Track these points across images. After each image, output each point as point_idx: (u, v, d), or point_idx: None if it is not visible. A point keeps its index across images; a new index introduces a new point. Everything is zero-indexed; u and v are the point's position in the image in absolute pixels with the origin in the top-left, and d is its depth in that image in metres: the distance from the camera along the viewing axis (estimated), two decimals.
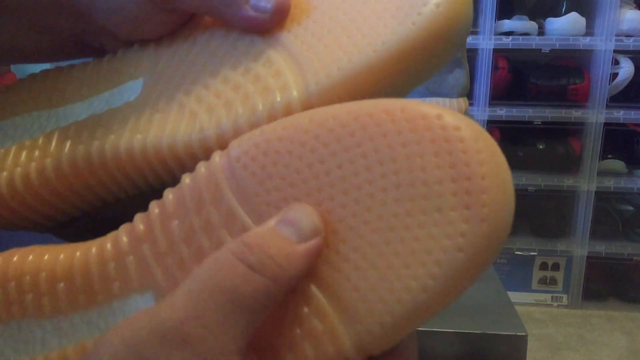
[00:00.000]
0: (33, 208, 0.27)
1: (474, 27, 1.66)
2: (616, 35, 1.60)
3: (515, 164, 1.76)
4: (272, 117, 0.23)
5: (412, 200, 0.19)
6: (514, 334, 0.59)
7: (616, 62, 1.66)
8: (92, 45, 0.29)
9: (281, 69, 0.23)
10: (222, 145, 0.23)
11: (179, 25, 0.27)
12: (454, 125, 0.19)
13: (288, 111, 0.22)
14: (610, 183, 1.68)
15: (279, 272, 0.19)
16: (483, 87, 1.65)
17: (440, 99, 0.88)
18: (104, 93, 0.27)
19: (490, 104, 1.67)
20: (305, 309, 0.20)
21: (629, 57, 1.66)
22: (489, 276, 0.73)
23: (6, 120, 0.29)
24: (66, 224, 0.30)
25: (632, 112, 1.64)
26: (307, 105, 0.22)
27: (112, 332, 0.19)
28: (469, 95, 1.13)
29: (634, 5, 1.64)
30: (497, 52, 1.65)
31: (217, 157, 0.22)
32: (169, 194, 0.22)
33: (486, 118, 1.68)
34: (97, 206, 0.28)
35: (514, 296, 1.78)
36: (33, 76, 0.30)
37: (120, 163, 0.25)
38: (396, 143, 0.20)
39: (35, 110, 0.28)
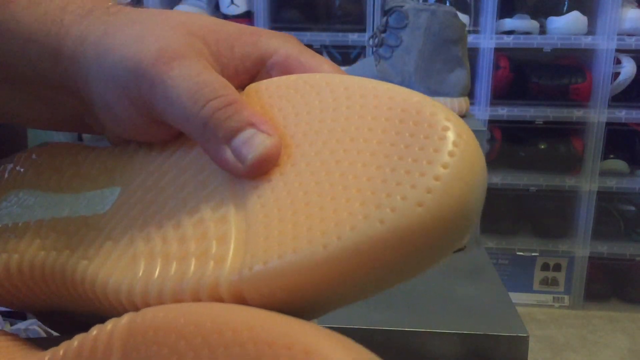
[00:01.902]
0: (5, 295, 0.27)
1: (474, 26, 1.66)
2: (618, 35, 1.59)
3: (516, 163, 1.75)
4: (195, 289, 0.20)
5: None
6: (515, 334, 0.58)
7: (618, 62, 1.65)
8: (92, 125, 0.28)
9: (228, 234, 0.21)
10: (145, 304, 0.21)
11: (173, 137, 0.25)
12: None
13: (213, 288, 0.20)
14: (612, 183, 1.68)
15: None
16: (484, 87, 1.65)
17: (442, 98, 0.88)
18: (89, 192, 0.26)
19: (492, 104, 1.66)
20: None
21: (631, 57, 1.65)
22: (490, 277, 0.72)
23: (12, 192, 0.28)
24: (45, 314, 0.29)
25: (634, 112, 1.63)
26: (235, 288, 0.19)
27: None
28: (470, 94, 1.13)
29: (636, 4, 1.63)
30: (499, 51, 1.65)
31: (124, 319, 0.20)
32: (74, 341, 0.21)
33: (487, 117, 1.67)
34: (60, 308, 0.27)
35: (515, 297, 1.77)
36: (49, 149, 0.29)
37: (66, 284, 0.24)
38: None
39: (37, 189, 0.28)
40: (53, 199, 0.27)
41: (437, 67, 0.88)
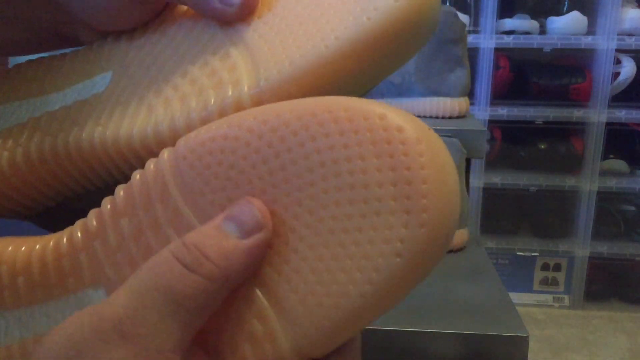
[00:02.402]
0: (6, 196, 0.28)
1: (475, 26, 1.66)
2: (618, 34, 1.59)
3: (516, 163, 1.75)
4: (223, 112, 0.22)
5: (352, 204, 0.19)
6: (515, 334, 0.58)
7: (618, 62, 1.65)
8: (69, 36, 0.29)
9: (237, 63, 0.23)
10: (176, 140, 0.23)
11: (153, 16, 0.27)
12: (397, 126, 0.19)
13: (238, 106, 0.22)
14: (612, 183, 1.68)
15: (215, 271, 0.19)
16: (484, 87, 1.65)
17: (442, 98, 0.88)
18: (76, 84, 0.27)
19: (492, 104, 1.67)
20: (247, 311, 0.20)
21: (631, 57, 1.66)
22: (490, 277, 0.72)
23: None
24: (43, 213, 0.30)
25: (634, 112, 1.63)
26: (258, 100, 0.22)
27: (58, 328, 0.19)
28: (470, 94, 1.13)
29: (636, 4, 1.63)
30: (499, 51, 1.65)
31: (165, 153, 0.22)
32: (120, 191, 0.22)
33: (487, 118, 1.67)
34: (68, 197, 0.28)
35: (515, 297, 1.78)
36: (17, 66, 0.30)
37: (84, 155, 0.26)
38: (338, 144, 0.19)
39: (16, 100, 0.29)
40: (40, 101, 0.28)
41: (437, 67, 0.88)
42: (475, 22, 1.66)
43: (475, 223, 1.74)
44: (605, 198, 1.72)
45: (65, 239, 0.23)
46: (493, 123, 1.70)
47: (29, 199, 0.28)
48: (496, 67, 1.68)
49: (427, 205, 0.18)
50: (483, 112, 1.67)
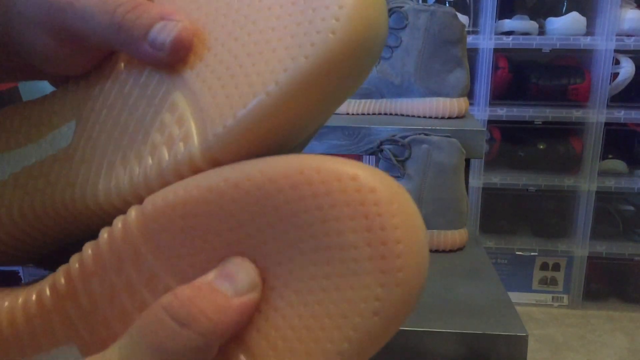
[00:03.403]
0: (5, 250, 0.28)
1: (474, 26, 1.66)
2: (617, 35, 1.59)
3: (515, 164, 1.75)
4: (177, 168, 0.22)
5: (329, 264, 0.19)
6: (514, 334, 0.59)
7: (617, 62, 1.65)
8: (34, 73, 0.30)
9: (184, 115, 0.23)
10: (139, 196, 0.23)
11: (100, 60, 0.27)
12: (369, 188, 0.19)
13: (192, 162, 0.22)
14: (611, 183, 1.68)
15: (209, 327, 0.18)
16: (483, 87, 1.65)
17: (441, 99, 0.88)
18: (47, 135, 0.28)
19: (491, 104, 1.67)
20: None
21: (630, 57, 1.66)
22: (489, 276, 0.73)
23: None
24: (38, 260, 0.30)
25: (633, 112, 1.64)
26: (210, 156, 0.22)
27: None
28: (469, 95, 1.13)
29: (635, 4, 1.63)
30: (498, 51, 1.65)
31: (132, 213, 0.22)
32: (88, 249, 0.22)
33: (486, 118, 1.67)
34: (57, 246, 0.28)
35: (515, 296, 1.78)
36: None
37: (60, 214, 0.26)
38: (312, 207, 0.19)
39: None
40: (18, 154, 0.28)
41: (436, 67, 0.88)
42: (475, 22, 1.67)
43: (475, 223, 1.74)
44: (604, 198, 1.72)
45: (34, 297, 0.22)
46: (492, 123, 1.70)
47: (17, 250, 0.28)
48: (495, 67, 1.68)
49: (402, 264, 0.19)
50: (482, 112, 1.67)
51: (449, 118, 0.89)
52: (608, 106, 1.64)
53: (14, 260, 0.29)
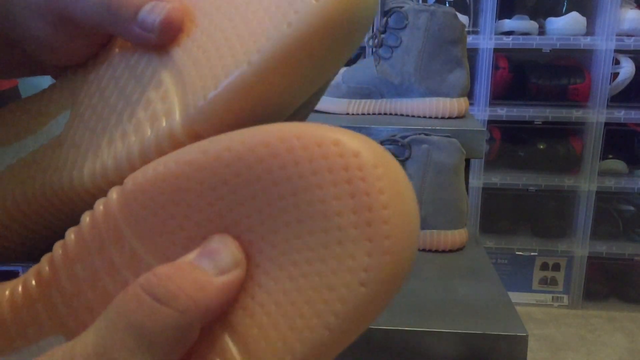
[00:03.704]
0: (4, 243, 0.28)
1: (474, 26, 1.66)
2: (617, 35, 1.59)
3: (515, 163, 1.75)
4: (159, 145, 0.22)
5: (313, 234, 0.18)
6: (514, 334, 0.59)
7: (617, 62, 1.65)
8: (35, 66, 0.30)
9: (168, 90, 0.23)
10: (122, 178, 0.22)
11: (97, 48, 0.26)
12: (352, 152, 0.18)
13: (173, 137, 0.22)
14: (611, 183, 1.68)
15: (189, 304, 0.18)
16: (483, 87, 1.65)
17: (441, 99, 0.88)
18: (45, 126, 0.27)
19: (491, 104, 1.67)
20: (209, 347, 0.20)
21: (630, 57, 1.66)
22: (489, 276, 0.73)
23: None
24: (37, 257, 0.30)
25: (633, 112, 1.64)
26: (191, 130, 0.21)
27: None
28: (469, 95, 1.13)
29: (635, 4, 1.63)
30: (498, 51, 1.65)
31: (114, 193, 0.21)
32: (70, 234, 0.22)
33: (486, 118, 1.67)
34: (54, 237, 0.29)
35: (515, 296, 1.78)
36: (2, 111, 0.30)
37: (51, 200, 0.26)
38: (294, 175, 0.18)
39: (1, 146, 0.29)
40: (17, 146, 0.28)
41: (436, 67, 0.88)
42: (475, 22, 1.67)
43: (475, 223, 1.74)
44: (604, 198, 1.72)
45: (20, 289, 0.22)
46: (492, 123, 1.70)
47: (15, 244, 0.28)
48: (495, 67, 1.68)
49: (389, 231, 0.18)
50: (482, 112, 1.67)
51: (449, 118, 0.89)
52: (608, 106, 1.64)
53: (12, 255, 0.29)
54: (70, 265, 0.21)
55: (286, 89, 0.21)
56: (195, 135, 0.22)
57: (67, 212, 0.26)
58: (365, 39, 1.59)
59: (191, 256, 0.19)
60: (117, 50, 0.26)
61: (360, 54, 1.69)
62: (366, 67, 0.93)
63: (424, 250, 0.80)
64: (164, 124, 0.22)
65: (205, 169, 0.19)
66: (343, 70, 1.02)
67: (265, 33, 0.21)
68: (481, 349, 0.59)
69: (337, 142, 0.18)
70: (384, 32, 0.91)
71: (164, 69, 0.23)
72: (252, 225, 0.19)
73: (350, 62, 1.68)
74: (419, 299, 0.66)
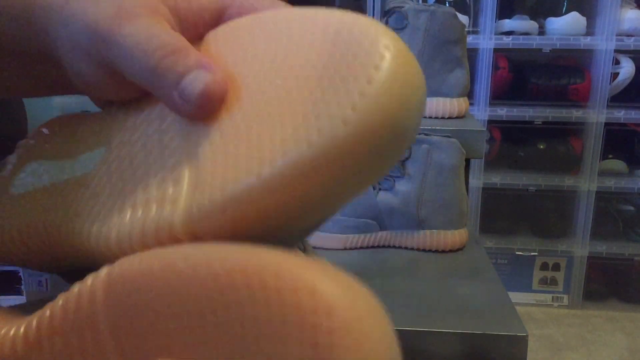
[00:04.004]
0: (21, 256, 0.28)
1: (474, 26, 1.66)
2: (617, 35, 1.59)
3: (515, 164, 1.75)
4: (158, 232, 0.21)
5: None
6: (514, 334, 0.59)
7: (617, 62, 1.65)
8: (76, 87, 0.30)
9: (182, 176, 0.22)
10: (122, 252, 0.22)
11: (140, 93, 0.26)
12: (326, 309, 0.16)
13: (171, 229, 0.21)
14: (611, 183, 1.68)
15: None
16: (483, 87, 1.65)
17: (441, 99, 0.88)
18: (82, 154, 0.27)
19: (491, 104, 1.67)
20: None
21: (630, 57, 1.66)
22: (489, 276, 0.73)
23: (27, 164, 0.30)
24: (64, 272, 0.30)
25: (633, 112, 1.64)
26: (189, 228, 0.20)
27: None
28: (469, 95, 1.13)
29: (635, 4, 1.63)
30: (498, 51, 1.65)
31: (103, 271, 0.20)
32: (59, 300, 0.21)
33: (486, 118, 1.67)
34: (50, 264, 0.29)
35: (515, 296, 1.78)
36: (52, 122, 0.31)
37: (62, 241, 0.26)
38: (263, 316, 0.17)
39: (45, 160, 0.29)
40: (57, 166, 0.28)
41: (436, 67, 0.88)
42: (475, 22, 1.67)
43: (475, 223, 1.74)
44: (604, 198, 1.72)
45: (8, 341, 0.22)
46: (492, 123, 1.70)
47: (38, 261, 0.28)
48: (495, 67, 1.68)
49: None
50: (482, 112, 1.67)
51: (449, 118, 0.89)
52: (608, 106, 1.64)
53: (34, 266, 0.30)
54: (51, 335, 0.21)
55: (297, 208, 0.19)
56: (193, 235, 0.21)
57: (69, 255, 0.26)
58: None
59: None
60: (154, 105, 0.25)
61: None
62: None
63: (424, 250, 0.80)
64: (167, 211, 0.21)
65: (181, 277, 0.18)
66: None
67: (283, 146, 0.19)
68: (481, 349, 0.59)
69: (312, 292, 0.16)
70: None
71: (186, 150, 0.22)
72: (214, 349, 0.18)
73: None
74: (419, 299, 0.66)
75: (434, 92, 0.89)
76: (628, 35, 1.60)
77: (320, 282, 0.16)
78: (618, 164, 1.73)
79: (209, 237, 0.20)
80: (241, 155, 0.20)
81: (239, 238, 0.20)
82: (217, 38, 0.25)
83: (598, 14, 1.62)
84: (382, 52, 0.18)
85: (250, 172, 0.19)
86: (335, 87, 0.19)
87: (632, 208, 1.79)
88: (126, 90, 0.26)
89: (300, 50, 0.21)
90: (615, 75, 1.65)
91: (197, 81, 0.22)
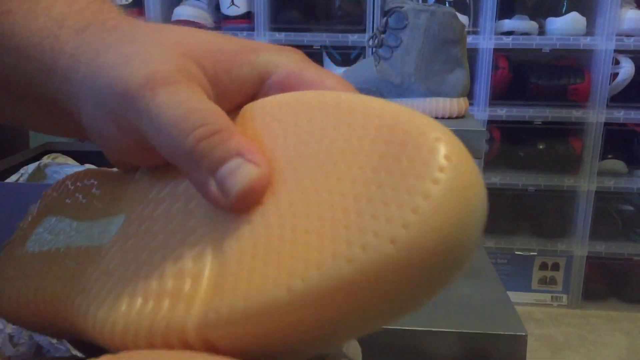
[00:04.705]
0: (29, 320, 0.27)
1: (474, 26, 1.66)
2: (617, 35, 1.59)
3: (515, 163, 1.75)
4: (168, 329, 0.19)
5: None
6: (514, 334, 0.59)
7: (617, 62, 1.65)
8: None
9: (202, 271, 0.19)
10: (123, 343, 0.20)
11: (164, 161, 0.23)
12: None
13: (182, 332, 0.19)
14: (610, 183, 1.68)
15: None
16: (483, 87, 1.65)
17: (441, 99, 0.89)
18: (100, 219, 0.26)
19: (491, 104, 1.67)
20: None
21: (630, 57, 1.66)
22: (489, 276, 0.73)
23: (47, 217, 0.28)
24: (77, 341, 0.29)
25: (633, 112, 1.64)
26: (201, 332, 0.18)
27: None
28: (469, 95, 1.13)
29: (635, 5, 1.63)
30: (498, 51, 1.65)
31: None
32: None
33: (486, 118, 1.67)
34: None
35: (514, 296, 1.78)
36: (77, 175, 0.29)
37: (66, 314, 0.24)
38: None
39: (62, 215, 0.27)
40: (74, 227, 0.27)
41: (436, 67, 0.88)
42: (475, 22, 1.67)
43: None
44: (603, 198, 1.72)
45: None
46: (492, 123, 1.70)
47: (44, 327, 0.27)
48: (495, 67, 1.68)
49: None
50: (482, 112, 1.67)
51: (449, 118, 0.89)
52: (608, 106, 1.64)
53: (42, 330, 0.28)
54: None
55: (318, 331, 0.17)
56: (205, 341, 0.18)
57: (70, 331, 0.24)
58: (365, 39, 1.59)
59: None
60: (182, 178, 0.23)
61: (360, 54, 1.70)
62: (366, 67, 0.93)
63: None
64: (180, 311, 0.19)
65: None
66: (343, 70, 1.02)
67: (318, 261, 0.17)
68: (481, 349, 0.59)
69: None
70: (384, 32, 0.91)
71: (211, 241, 0.20)
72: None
73: (350, 63, 1.68)
74: None
75: (433, 92, 0.89)
76: (628, 35, 1.60)
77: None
78: (617, 164, 1.73)
79: (224, 347, 0.18)
80: (271, 262, 0.18)
81: (257, 352, 0.18)
82: (255, 111, 0.22)
83: (598, 14, 1.62)
84: (441, 163, 0.16)
85: (279, 284, 0.17)
86: (385, 197, 0.17)
87: (631, 208, 1.79)
88: (150, 159, 0.23)
89: (348, 146, 0.18)
90: (615, 75, 1.65)
91: (240, 174, 0.19)
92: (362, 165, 0.18)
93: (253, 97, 0.24)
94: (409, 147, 0.17)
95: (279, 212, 0.19)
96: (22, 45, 0.24)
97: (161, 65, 0.21)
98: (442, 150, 0.17)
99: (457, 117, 0.90)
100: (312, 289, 0.16)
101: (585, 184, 1.69)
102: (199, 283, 0.19)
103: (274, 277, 0.17)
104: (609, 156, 1.72)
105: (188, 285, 0.19)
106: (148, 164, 0.24)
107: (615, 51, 1.61)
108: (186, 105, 0.20)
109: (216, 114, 0.21)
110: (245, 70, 0.23)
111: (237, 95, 0.23)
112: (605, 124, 1.65)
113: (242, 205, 0.19)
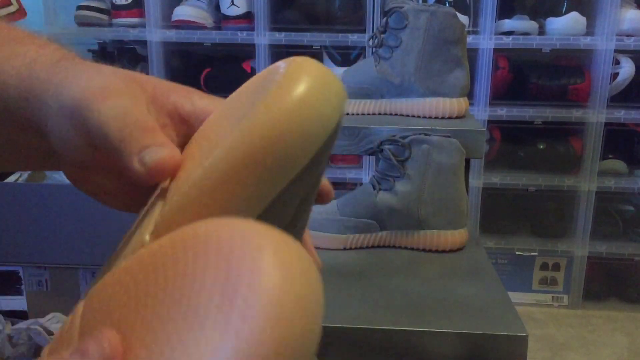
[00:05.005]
0: None
1: (474, 26, 1.66)
2: (617, 35, 1.59)
3: (515, 164, 1.75)
4: (134, 251, 0.26)
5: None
6: (514, 334, 0.59)
7: (617, 62, 1.65)
8: (54, 163, 0.34)
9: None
10: None
11: (142, 196, 0.30)
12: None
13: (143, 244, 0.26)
14: (610, 183, 1.68)
15: None
16: (483, 87, 1.65)
17: (441, 99, 0.88)
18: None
19: (491, 104, 1.67)
20: None
21: (630, 57, 1.66)
22: (489, 276, 0.73)
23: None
24: None
25: (633, 112, 1.64)
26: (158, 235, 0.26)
27: None
28: (469, 95, 1.13)
29: (635, 5, 1.63)
30: (498, 51, 1.65)
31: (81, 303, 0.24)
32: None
33: (486, 118, 1.67)
34: None
35: (515, 296, 1.78)
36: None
37: None
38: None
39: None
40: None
41: (436, 67, 0.88)
42: (475, 22, 1.67)
43: (475, 223, 1.74)
44: (604, 198, 1.72)
45: None
46: (492, 123, 1.70)
47: None
48: (495, 67, 1.68)
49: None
50: (482, 112, 1.67)
51: (449, 118, 0.89)
52: (608, 106, 1.64)
53: None
54: None
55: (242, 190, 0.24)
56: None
57: None
58: (365, 39, 1.59)
59: (66, 355, 0.21)
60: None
61: (360, 54, 1.69)
62: (366, 67, 0.93)
63: (424, 250, 0.80)
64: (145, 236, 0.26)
65: (142, 263, 0.22)
66: (343, 70, 1.02)
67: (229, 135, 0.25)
68: (481, 349, 0.59)
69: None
70: (384, 32, 0.91)
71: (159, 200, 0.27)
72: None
73: (350, 62, 1.68)
74: (419, 299, 0.67)
75: (434, 92, 0.89)
76: (628, 35, 1.60)
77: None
78: (618, 164, 1.73)
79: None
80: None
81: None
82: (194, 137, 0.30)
83: (598, 14, 1.62)
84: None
85: (198, 167, 0.25)
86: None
87: (631, 208, 1.79)
88: (100, 159, 0.29)
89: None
90: (615, 75, 1.65)
91: (155, 153, 0.26)
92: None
93: (187, 130, 0.31)
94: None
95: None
96: (1, 79, 0.30)
97: (113, 83, 0.28)
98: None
99: (457, 117, 0.90)
100: (220, 155, 0.24)
101: (586, 184, 1.69)
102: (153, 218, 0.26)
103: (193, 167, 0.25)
104: (610, 156, 1.72)
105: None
106: (100, 166, 0.30)
107: (615, 51, 1.61)
108: (126, 109, 0.27)
109: (148, 119, 0.28)
110: (182, 100, 0.31)
111: (174, 120, 0.30)
112: (606, 124, 1.65)
113: (155, 174, 0.26)
